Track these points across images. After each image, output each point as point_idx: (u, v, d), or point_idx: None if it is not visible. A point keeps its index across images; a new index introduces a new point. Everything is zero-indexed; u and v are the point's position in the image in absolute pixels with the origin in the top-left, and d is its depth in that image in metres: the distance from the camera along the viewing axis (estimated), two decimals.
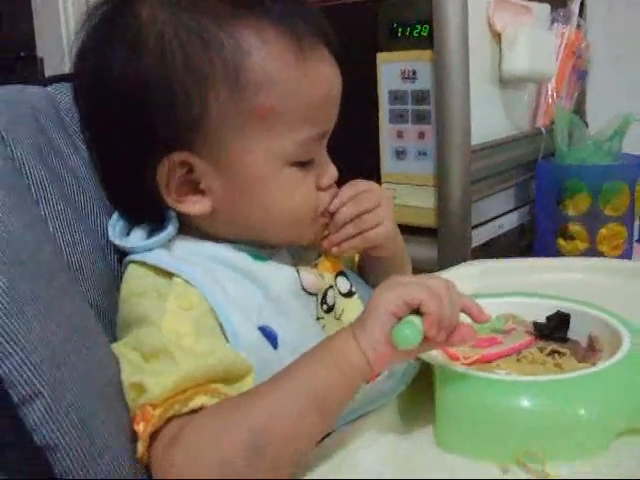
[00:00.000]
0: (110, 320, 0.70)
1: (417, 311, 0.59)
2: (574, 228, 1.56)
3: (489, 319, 0.67)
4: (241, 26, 0.66)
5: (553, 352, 0.74)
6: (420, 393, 0.69)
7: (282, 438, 0.58)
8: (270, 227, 0.73)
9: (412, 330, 0.58)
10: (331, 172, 0.75)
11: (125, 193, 0.74)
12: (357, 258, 0.92)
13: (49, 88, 0.77)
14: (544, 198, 1.60)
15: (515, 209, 1.62)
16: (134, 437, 0.59)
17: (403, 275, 0.65)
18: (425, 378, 0.68)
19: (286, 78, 0.67)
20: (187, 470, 0.56)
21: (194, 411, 0.59)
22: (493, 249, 1.63)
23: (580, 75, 1.80)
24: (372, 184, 0.81)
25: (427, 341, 0.60)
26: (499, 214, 1.56)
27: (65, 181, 0.72)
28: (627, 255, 1.58)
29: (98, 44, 0.70)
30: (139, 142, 0.68)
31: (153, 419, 0.58)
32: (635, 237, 1.63)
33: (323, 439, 0.64)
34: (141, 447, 0.58)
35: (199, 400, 0.59)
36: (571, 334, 0.77)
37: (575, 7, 1.75)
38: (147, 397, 0.59)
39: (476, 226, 1.45)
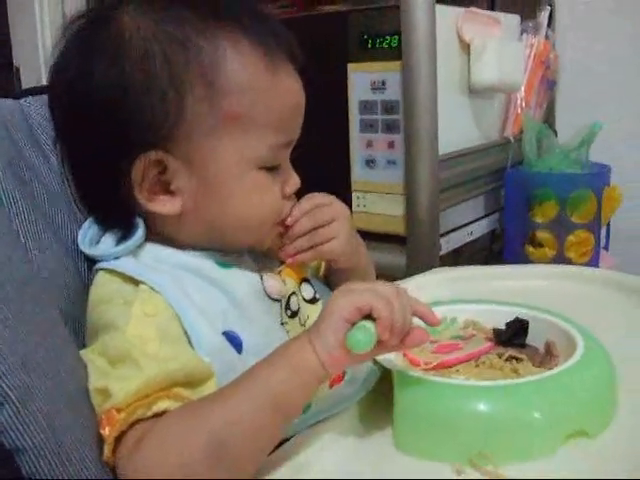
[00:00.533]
0: (80, 326, 0.72)
1: (370, 316, 0.62)
2: (542, 235, 1.59)
3: (440, 322, 0.70)
4: (220, 36, 0.70)
5: (511, 358, 0.75)
6: (380, 398, 0.70)
7: (242, 440, 0.60)
8: (234, 230, 0.75)
9: (365, 335, 0.60)
10: (295, 180, 0.79)
11: (99, 197, 0.76)
12: (323, 267, 0.94)
13: (22, 101, 0.78)
14: (513, 206, 1.62)
15: (485, 216, 1.65)
16: (101, 441, 0.61)
17: (355, 282, 0.67)
18: (385, 383, 0.70)
19: (257, 87, 0.71)
20: (150, 473, 0.58)
21: (158, 415, 0.61)
22: (464, 255, 1.66)
23: (549, 85, 1.83)
24: (330, 198, 0.85)
25: (381, 345, 0.62)
26: (469, 221, 1.58)
27: (36, 192, 0.74)
28: (594, 261, 1.60)
29: (78, 54, 0.72)
30: (116, 143, 0.70)
31: (118, 423, 0.60)
32: (602, 244, 1.66)
33: (284, 442, 0.65)
34: (107, 450, 0.60)
35: (162, 404, 0.61)
36: (530, 340, 0.79)
37: (544, 18, 1.78)
38: (112, 402, 0.61)
39: (446, 233, 1.48)
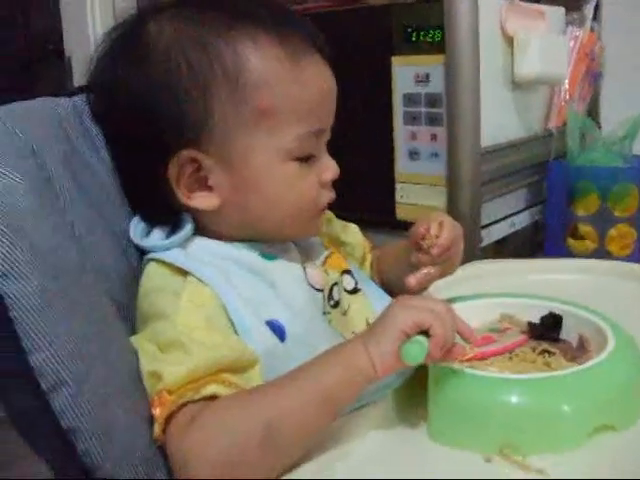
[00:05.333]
0: (130, 314, 0.76)
1: (424, 332, 0.65)
2: (584, 228, 1.59)
3: (476, 339, 0.72)
4: (238, 35, 0.73)
5: (544, 351, 0.77)
6: (416, 387, 0.72)
7: (293, 429, 0.64)
8: (274, 221, 0.78)
9: (419, 349, 0.64)
10: (332, 168, 0.80)
11: (142, 196, 0.80)
12: (370, 259, 0.97)
13: (75, 98, 0.82)
14: (555, 198, 1.62)
15: (527, 208, 1.65)
16: (150, 421, 0.66)
17: (412, 297, 0.70)
18: (421, 374, 0.72)
19: (280, 79, 0.74)
20: (200, 452, 0.62)
21: (206, 398, 0.65)
22: (507, 246, 1.67)
23: (594, 77, 1.82)
24: (450, 219, 0.86)
25: (427, 358, 0.65)
26: (510, 213, 1.59)
27: (89, 187, 0.77)
28: (636, 255, 1.59)
29: (113, 60, 0.77)
30: (151, 144, 0.74)
31: (168, 404, 0.64)
32: None
33: None
34: (157, 429, 0.65)
35: (210, 388, 0.65)
36: (564, 335, 0.80)
37: (589, 10, 1.78)
38: (163, 384, 0.65)
39: (488, 225, 1.49)
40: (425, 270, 0.82)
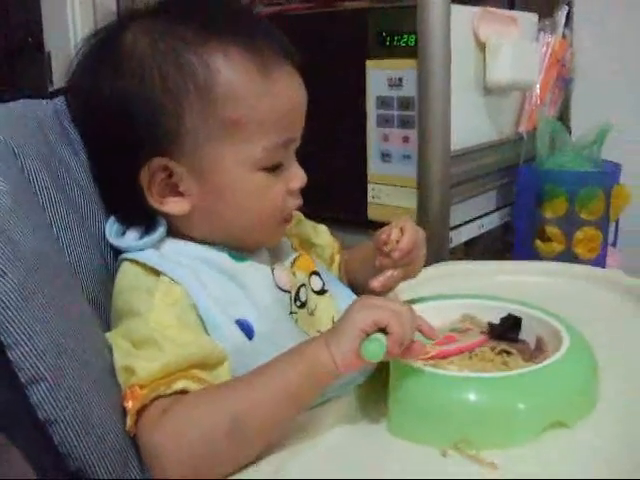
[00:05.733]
0: (105, 311, 0.79)
1: (382, 330, 0.68)
2: (551, 230, 1.60)
3: (438, 337, 0.77)
4: (209, 49, 0.75)
5: (502, 351, 0.79)
6: (377, 384, 0.76)
7: (259, 422, 0.67)
8: (241, 227, 0.81)
9: (378, 346, 0.67)
10: (300, 176, 0.83)
11: (117, 199, 0.83)
12: (337, 261, 1.00)
13: (55, 100, 0.84)
14: (523, 201, 1.65)
15: (496, 210, 1.68)
16: (124, 413, 0.69)
17: (373, 297, 0.73)
18: (384, 371, 0.75)
19: (251, 92, 0.76)
20: (170, 444, 0.66)
21: (176, 393, 0.68)
22: (477, 247, 1.70)
23: (565, 83, 1.86)
24: (412, 223, 0.89)
25: (386, 354, 0.68)
26: (481, 214, 1.62)
27: (68, 187, 0.80)
28: (601, 257, 1.62)
29: (91, 66, 0.80)
30: (125, 151, 0.77)
31: (140, 398, 0.67)
32: (610, 241, 1.68)
33: None
34: (129, 421, 0.68)
35: (180, 383, 0.68)
36: (523, 335, 0.83)
37: (561, 17, 1.81)
38: (136, 379, 0.68)
39: (458, 226, 1.51)
40: (388, 273, 0.86)
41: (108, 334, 0.75)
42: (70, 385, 0.66)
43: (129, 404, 0.68)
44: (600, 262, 1.61)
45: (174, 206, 0.79)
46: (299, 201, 0.85)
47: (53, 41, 2.20)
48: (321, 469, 0.66)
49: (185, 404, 0.67)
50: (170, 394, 0.68)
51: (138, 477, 0.71)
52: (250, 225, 0.81)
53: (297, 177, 0.83)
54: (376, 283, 0.86)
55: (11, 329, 0.64)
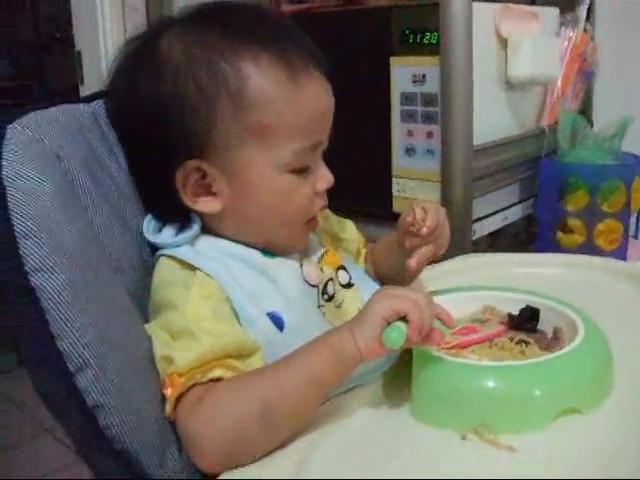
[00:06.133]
0: (144, 304, 0.83)
1: (403, 318, 0.72)
2: (573, 222, 1.62)
3: (455, 324, 0.80)
4: (241, 56, 0.79)
5: (521, 341, 0.83)
6: (401, 372, 0.80)
7: (287, 407, 0.72)
8: (269, 227, 0.85)
9: (398, 333, 0.71)
10: (327, 178, 0.87)
11: (154, 198, 0.87)
12: (363, 254, 1.04)
13: (93, 104, 0.89)
14: (545, 193, 1.66)
15: (519, 202, 1.69)
16: (163, 399, 0.73)
17: (394, 287, 0.77)
18: (407, 359, 0.79)
19: (280, 98, 0.80)
20: (205, 429, 0.70)
21: (212, 380, 0.73)
22: (501, 239, 1.73)
23: (586, 76, 1.86)
24: (433, 203, 0.94)
25: (407, 341, 0.72)
26: (504, 207, 1.64)
27: (107, 188, 0.85)
28: (622, 249, 1.63)
29: (127, 71, 0.84)
30: (161, 153, 0.81)
31: (179, 385, 0.72)
32: (631, 233, 1.69)
33: None
34: (168, 407, 0.73)
35: (216, 372, 0.73)
36: (541, 326, 0.87)
37: (582, 12, 1.81)
38: (174, 368, 0.73)
39: (480, 218, 1.54)
40: (421, 250, 0.91)
41: (147, 325, 0.80)
42: (114, 372, 0.72)
43: (168, 391, 0.73)
44: (621, 254, 1.62)
45: (206, 205, 0.83)
46: (325, 201, 0.88)
47: (83, 40, 2.23)
48: (349, 449, 0.71)
49: (217, 392, 0.72)
50: (206, 382, 0.73)
51: (176, 460, 0.76)
52: (277, 225, 0.85)
53: (324, 179, 0.86)
54: (413, 262, 0.90)
55: (60, 322, 0.69)
